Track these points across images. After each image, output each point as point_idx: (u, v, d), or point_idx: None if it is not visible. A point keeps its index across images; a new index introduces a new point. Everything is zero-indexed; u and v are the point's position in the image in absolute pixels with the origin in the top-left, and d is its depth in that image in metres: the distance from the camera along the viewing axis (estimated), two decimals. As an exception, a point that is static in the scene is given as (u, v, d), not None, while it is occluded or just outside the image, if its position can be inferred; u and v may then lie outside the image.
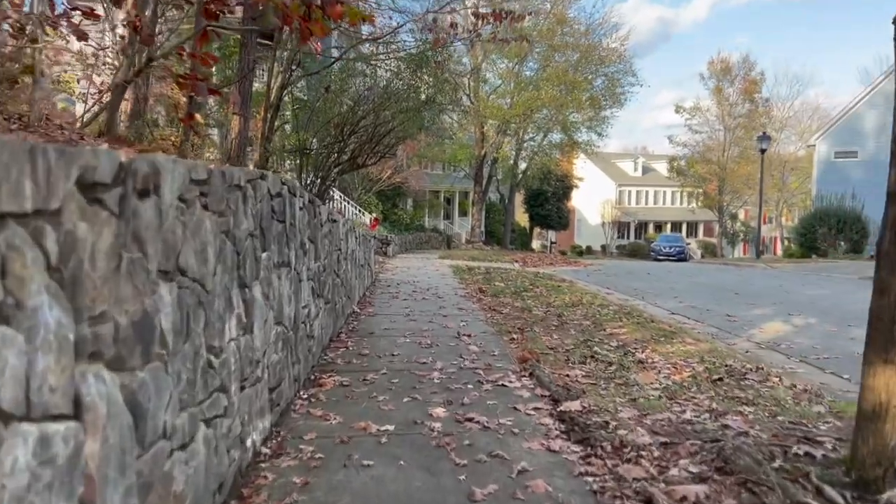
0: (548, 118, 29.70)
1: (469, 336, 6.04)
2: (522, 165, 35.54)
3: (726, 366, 4.96)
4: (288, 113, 11.31)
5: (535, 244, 54.16)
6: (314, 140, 10.46)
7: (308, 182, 10.31)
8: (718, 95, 42.56)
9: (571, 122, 30.45)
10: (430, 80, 11.01)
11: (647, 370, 4.80)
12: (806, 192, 46.34)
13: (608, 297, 10.11)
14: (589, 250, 55.33)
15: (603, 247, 56.57)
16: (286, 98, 10.36)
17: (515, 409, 3.79)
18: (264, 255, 3.28)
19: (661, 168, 64.20)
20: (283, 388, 3.68)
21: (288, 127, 11.04)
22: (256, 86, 11.63)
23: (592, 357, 5.17)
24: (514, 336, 6.03)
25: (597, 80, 30.06)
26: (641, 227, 59.75)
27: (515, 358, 5.11)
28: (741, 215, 53.81)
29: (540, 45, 27.07)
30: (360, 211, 22.53)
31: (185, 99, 11.69)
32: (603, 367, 4.86)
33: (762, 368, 4.92)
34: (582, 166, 46.11)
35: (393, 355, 5.22)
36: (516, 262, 20.48)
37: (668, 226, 59.84)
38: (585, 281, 14.02)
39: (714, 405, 3.87)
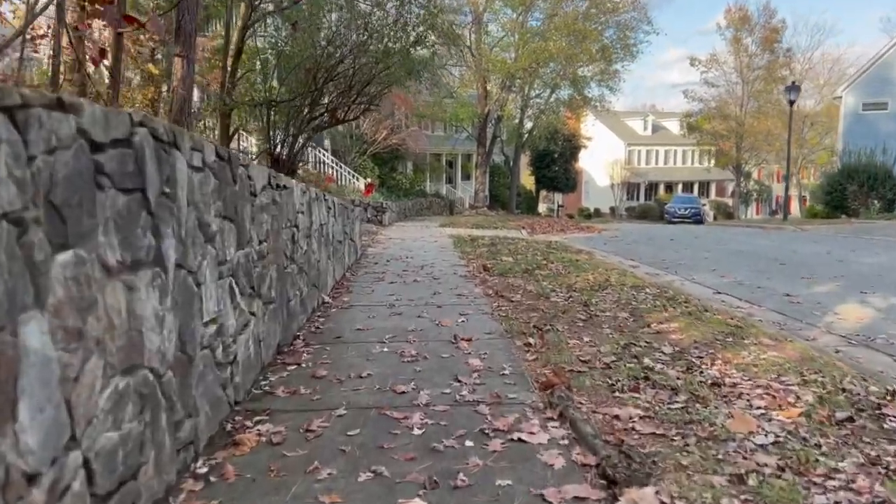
0: (555, 72, 27.73)
1: (469, 341, 4.48)
2: (528, 125, 33.60)
3: (844, 391, 3.39)
4: (260, 58, 9.55)
5: (541, 207, 52.53)
6: (282, 90, 8.76)
7: (277, 141, 8.65)
8: (736, 46, 40.07)
9: (581, 77, 28.48)
10: (421, 13, 9.18)
11: (732, 402, 3.24)
12: (825, 148, 44.33)
13: (636, 272, 8.54)
14: (597, 213, 53.75)
15: (612, 209, 54.89)
16: (251, 42, 8.66)
17: (543, 499, 2.26)
18: (65, 256, 1.71)
19: (672, 126, 62.00)
20: (144, 479, 2.13)
21: (256, 76, 9.31)
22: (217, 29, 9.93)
23: (646, 378, 3.60)
24: (531, 340, 4.47)
25: (607, 30, 27.96)
26: (651, 187, 57.86)
27: (535, 382, 3.56)
28: (754, 174, 51.77)
29: (547, -10, 25.00)
30: (353, 176, 20.87)
31: (153, 49, 10.05)
32: (666, 398, 3.30)
33: (896, 392, 3.37)
34: (591, 125, 44.22)
35: (360, 378, 3.68)
36: (523, 228, 18.89)
37: (679, 186, 57.92)
38: (603, 250, 12.45)
39: (878, 487, 2.31)
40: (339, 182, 20.07)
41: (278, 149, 8.61)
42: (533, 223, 21.64)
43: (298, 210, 4.89)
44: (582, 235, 17.54)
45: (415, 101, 25.51)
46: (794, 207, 62.76)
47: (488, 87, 27.31)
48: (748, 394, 3.39)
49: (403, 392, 3.42)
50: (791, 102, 23.56)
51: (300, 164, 9.88)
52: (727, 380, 3.64)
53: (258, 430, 2.91)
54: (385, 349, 4.29)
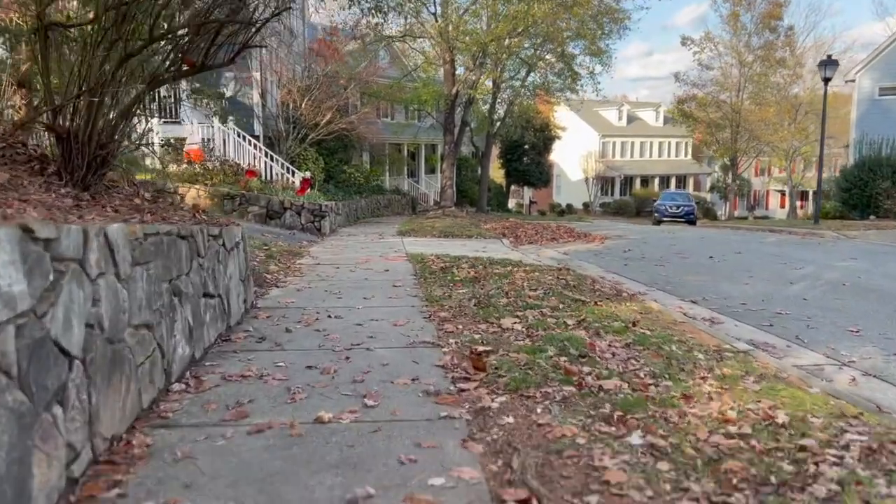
0: (535, 46, 23.76)
1: None
2: (500, 111, 29.55)
3: None
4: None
5: (511, 203, 48.80)
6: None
7: (62, 102, 4.23)
8: (734, 23, 36.35)
9: (568, 54, 24.58)
10: None
11: None
12: (817, 140, 41.22)
13: (759, 354, 4.53)
14: (570, 209, 50.25)
15: (585, 205, 51.42)
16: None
17: None
18: None
19: (648, 117, 58.70)
20: None
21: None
22: None
23: None
24: None
25: (594, -1, 23.96)
26: (627, 181, 54.43)
27: None
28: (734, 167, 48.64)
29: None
30: (287, 169, 16.50)
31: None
32: None
33: None
34: (565, 114, 40.55)
35: None
36: (504, 236, 14.84)
37: (657, 180, 54.65)
38: (631, 279, 8.54)
39: None
40: (267, 177, 15.71)
41: (68, 119, 4.31)
42: (514, 227, 17.60)
43: None
44: (582, 247, 13.55)
45: (365, 76, 21.23)
46: (773, 203, 60.04)
47: (457, 63, 23.11)
48: None
49: None
50: (826, 80, 19.99)
51: (130, 147, 5.35)
52: None
53: None
54: None
